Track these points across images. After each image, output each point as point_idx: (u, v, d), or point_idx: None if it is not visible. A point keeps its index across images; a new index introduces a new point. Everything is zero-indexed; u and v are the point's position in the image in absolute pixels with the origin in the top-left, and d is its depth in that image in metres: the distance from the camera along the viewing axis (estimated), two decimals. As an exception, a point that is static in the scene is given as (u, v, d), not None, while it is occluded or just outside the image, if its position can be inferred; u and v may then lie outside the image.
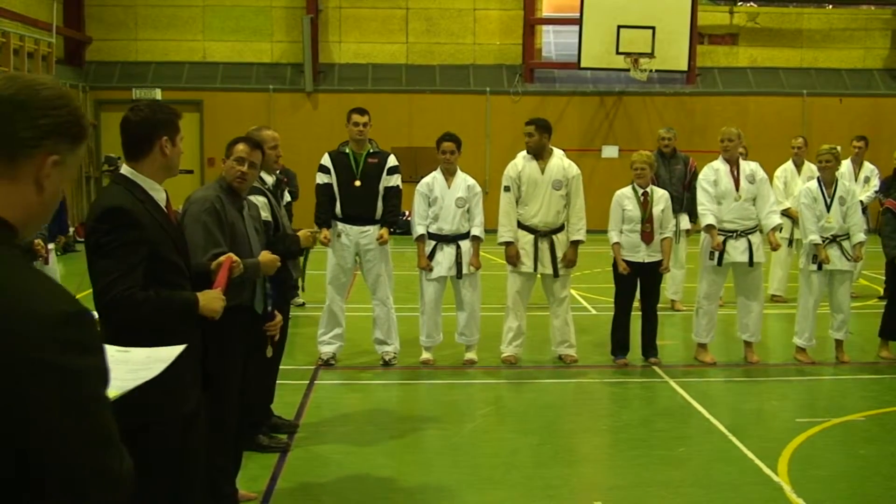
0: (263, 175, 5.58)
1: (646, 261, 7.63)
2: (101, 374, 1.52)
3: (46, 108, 1.61)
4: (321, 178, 7.60)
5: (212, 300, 3.48)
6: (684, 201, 9.73)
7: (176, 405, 3.26)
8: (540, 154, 7.67)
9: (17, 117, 1.59)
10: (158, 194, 3.34)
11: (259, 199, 5.33)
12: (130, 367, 2.25)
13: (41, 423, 1.43)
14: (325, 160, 7.61)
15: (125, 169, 3.35)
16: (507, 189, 7.73)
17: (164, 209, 3.36)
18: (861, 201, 9.06)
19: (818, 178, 7.88)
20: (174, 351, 2.48)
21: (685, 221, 9.93)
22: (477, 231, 7.65)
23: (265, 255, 4.43)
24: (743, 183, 7.72)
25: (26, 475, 1.44)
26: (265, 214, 5.35)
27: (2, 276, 1.49)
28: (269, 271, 4.47)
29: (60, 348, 1.44)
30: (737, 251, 7.69)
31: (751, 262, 7.71)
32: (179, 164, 3.46)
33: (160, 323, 3.25)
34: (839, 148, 8.07)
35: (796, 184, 10.24)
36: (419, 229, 7.66)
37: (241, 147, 4.48)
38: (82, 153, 1.72)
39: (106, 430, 1.51)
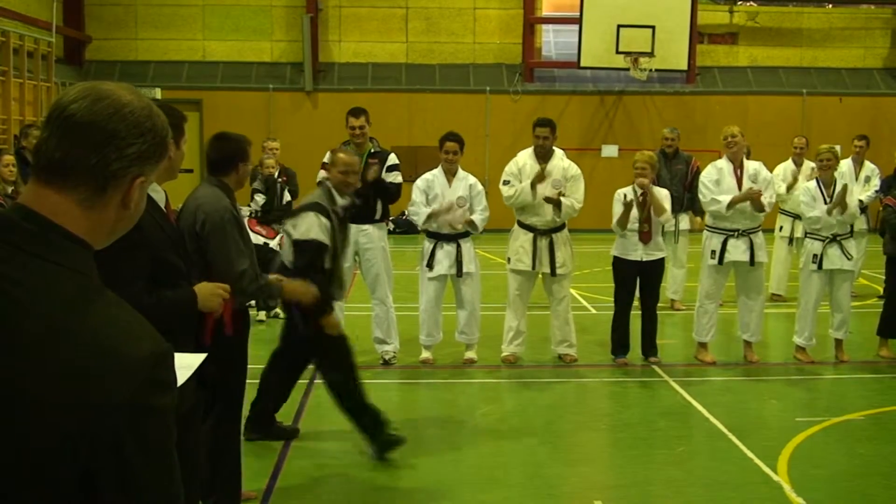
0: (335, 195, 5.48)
1: (644, 259, 7.63)
2: (174, 408, 1.55)
3: (134, 135, 1.54)
4: (324, 175, 7.56)
5: (209, 298, 3.47)
6: (684, 201, 9.73)
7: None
8: (547, 155, 7.68)
9: (108, 149, 1.52)
10: (157, 195, 3.34)
11: (321, 220, 5.23)
12: None
13: (126, 461, 1.45)
14: (328, 158, 7.59)
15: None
16: (506, 182, 7.70)
17: (163, 210, 3.36)
18: (861, 200, 9.07)
19: (817, 179, 7.87)
20: (197, 358, 2.52)
21: (686, 221, 9.93)
22: (477, 218, 7.58)
23: (291, 286, 4.50)
24: (746, 182, 7.69)
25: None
26: (323, 237, 5.20)
27: (94, 316, 1.47)
28: (294, 297, 4.54)
29: (152, 389, 1.47)
30: (738, 250, 7.67)
31: (752, 262, 7.70)
32: (179, 166, 3.45)
33: (164, 324, 3.24)
34: (839, 147, 8.06)
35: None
36: (424, 210, 7.53)
37: (249, 149, 4.52)
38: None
39: (176, 462, 1.54)
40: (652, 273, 7.72)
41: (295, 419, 6.29)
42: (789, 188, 10.22)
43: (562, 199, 7.53)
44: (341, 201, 5.48)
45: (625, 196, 7.56)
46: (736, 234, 7.69)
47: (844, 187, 7.60)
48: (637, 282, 7.75)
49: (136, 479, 1.47)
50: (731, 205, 7.57)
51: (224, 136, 4.50)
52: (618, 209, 7.62)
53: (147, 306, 3.14)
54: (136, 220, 1.64)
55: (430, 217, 7.54)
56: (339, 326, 5.34)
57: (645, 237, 7.59)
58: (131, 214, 1.62)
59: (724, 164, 7.80)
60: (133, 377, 1.44)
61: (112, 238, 1.63)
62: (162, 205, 3.35)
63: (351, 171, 5.51)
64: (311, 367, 6.13)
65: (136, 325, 1.52)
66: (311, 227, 5.22)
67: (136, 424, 1.44)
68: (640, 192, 7.63)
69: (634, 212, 7.58)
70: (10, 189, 7.62)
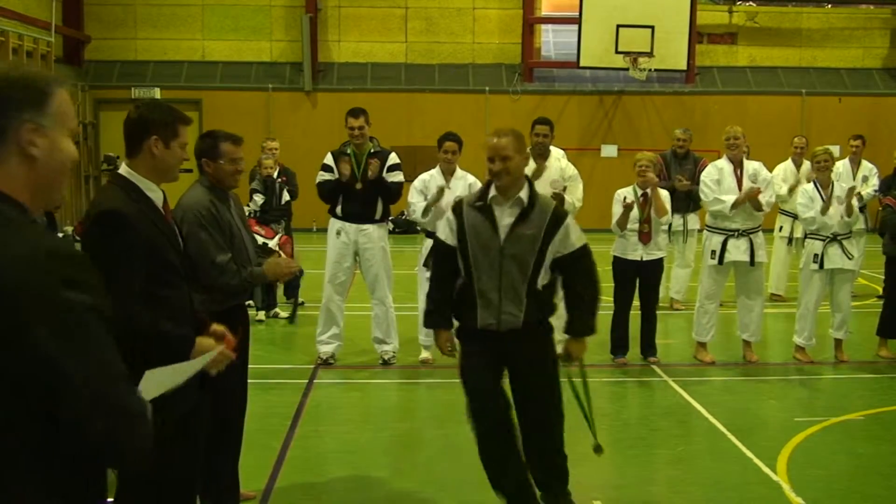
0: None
1: (644, 258, 7.63)
2: (98, 313, 1.57)
3: None
4: (323, 177, 7.55)
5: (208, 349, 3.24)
6: (691, 202, 9.69)
7: (174, 404, 3.25)
8: (545, 153, 7.68)
9: None
10: (155, 195, 3.32)
11: (447, 217, 4.66)
12: (159, 377, 2.39)
13: (42, 356, 1.50)
14: (328, 159, 7.59)
15: (123, 168, 3.34)
16: None
17: (161, 210, 3.34)
18: (860, 197, 9.08)
19: (814, 181, 7.86)
20: (181, 366, 2.56)
21: (693, 221, 9.93)
22: None
23: (272, 266, 4.42)
24: (746, 182, 7.70)
25: (35, 411, 1.52)
26: (442, 235, 4.62)
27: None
28: (276, 278, 4.48)
29: (60, 284, 1.53)
30: (738, 250, 7.68)
31: (752, 262, 7.70)
32: (174, 168, 3.38)
33: (154, 349, 3.05)
34: (837, 148, 8.06)
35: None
36: (421, 204, 7.41)
37: (231, 148, 4.39)
38: (63, 107, 1.69)
39: (109, 367, 1.57)
40: (651, 273, 7.73)
41: (294, 419, 6.29)
42: (791, 190, 10.21)
43: (564, 195, 7.53)
44: (494, 194, 4.43)
45: (625, 198, 7.56)
46: (736, 234, 7.69)
47: (851, 190, 7.66)
48: (636, 281, 7.75)
49: (59, 376, 1.51)
50: (734, 206, 7.59)
51: (204, 134, 4.45)
52: (617, 210, 7.62)
53: (141, 326, 3.09)
54: (68, 166, 1.69)
55: (426, 210, 7.47)
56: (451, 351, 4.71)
57: (645, 237, 7.59)
58: (52, 162, 1.66)
59: (724, 164, 7.81)
60: (33, 270, 1.51)
61: (44, 193, 1.68)
62: (159, 205, 3.34)
63: (497, 156, 4.37)
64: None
65: (36, 232, 1.59)
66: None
67: (50, 318, 1.50)
68: (640, 192, 7.63)
69: (634, 212, 7.58)
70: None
